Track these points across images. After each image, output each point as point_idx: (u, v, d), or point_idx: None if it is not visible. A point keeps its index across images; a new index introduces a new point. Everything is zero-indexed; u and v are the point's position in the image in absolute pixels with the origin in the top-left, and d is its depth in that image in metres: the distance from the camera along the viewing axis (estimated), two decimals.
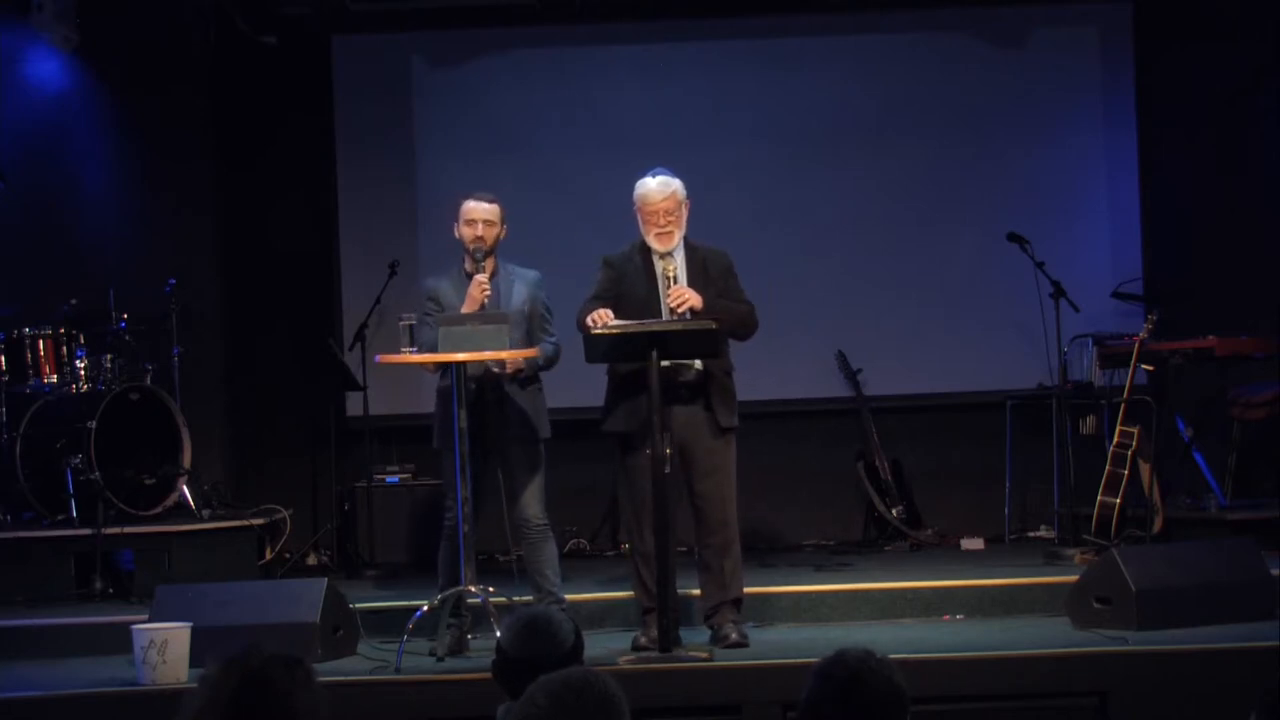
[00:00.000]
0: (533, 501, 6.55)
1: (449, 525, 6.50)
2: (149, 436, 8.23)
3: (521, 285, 6.63)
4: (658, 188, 6.43)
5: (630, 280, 6.47)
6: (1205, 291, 8.96)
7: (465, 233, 6.55)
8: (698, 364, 6.40)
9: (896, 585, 7.33)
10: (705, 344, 6.21)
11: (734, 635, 6.42)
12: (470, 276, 6.54)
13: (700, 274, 6.44)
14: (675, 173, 6.56)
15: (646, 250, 6.47)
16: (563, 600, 6.54)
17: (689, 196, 6.51)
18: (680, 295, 6.28)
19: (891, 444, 9.24)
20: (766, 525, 9.10)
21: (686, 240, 6.51)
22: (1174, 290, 9.02)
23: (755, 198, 9.28)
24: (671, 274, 6.35)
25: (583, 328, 6.30)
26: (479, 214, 6.54)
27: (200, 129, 9.20)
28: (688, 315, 6.26)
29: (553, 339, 6.64)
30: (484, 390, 6.49)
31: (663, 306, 6.36)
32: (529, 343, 6.54)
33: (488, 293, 6.42)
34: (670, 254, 6.44)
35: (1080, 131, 9.43)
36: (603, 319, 6.20)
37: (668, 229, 6.42)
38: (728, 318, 6.33)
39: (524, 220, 9.01)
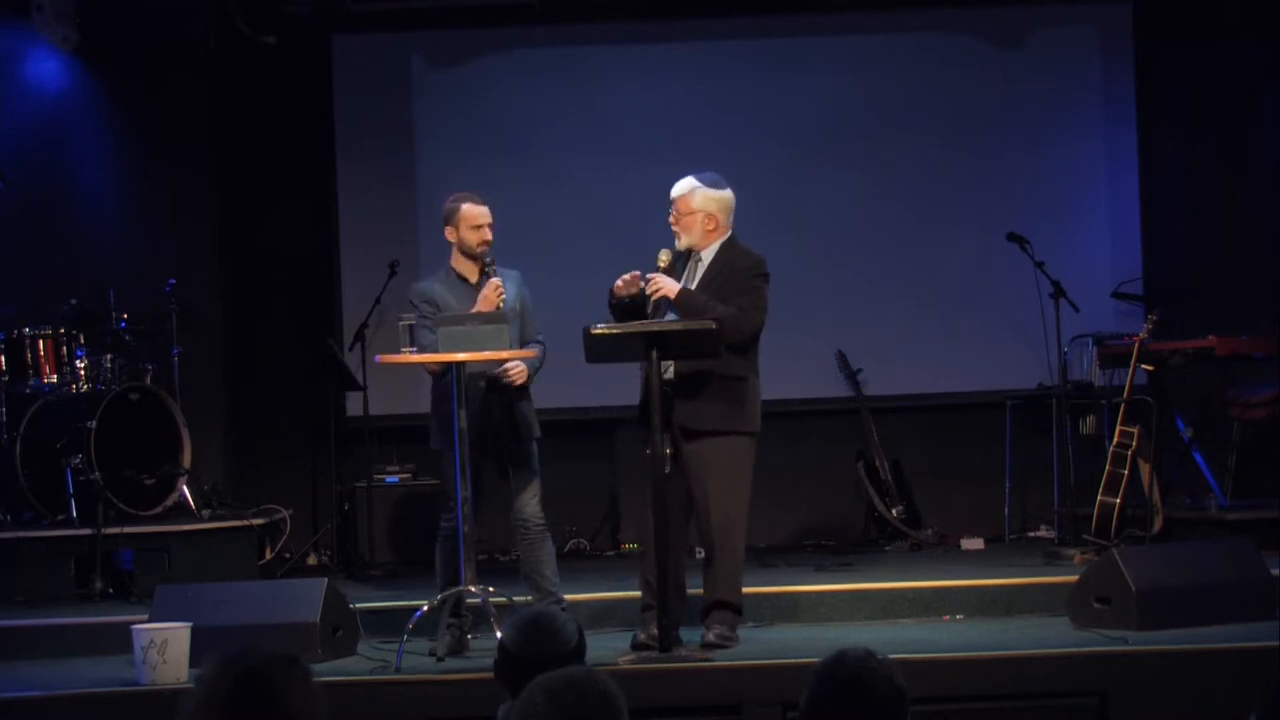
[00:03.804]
0: (532, 501, 6.55)
1: (446, 526, 6.51)
2: (149, 436, 8.23)
3: (510, 284, 6.61)
4: (678, 186, 6.51)
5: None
6: (1205, 291, 8.97)
7: (471, 237, 6.55)
8: (668, 371, 6.31)
9: (896, 585, 7.33)
10: (705, 344, 6.17)
11: (710, 636, 6.38)
12: (462, 278, 6.57)
13: (714, 274, 6.45)
14: (675, 173, 6.59)
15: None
16: (563, 600, 6.53)
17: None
18: (654, 284, 6.33)
19: (891, 444, 9.24)
20: (766, 525, 9.09)
21: (730, 240, 6.50)
22: (1174, 290, 9.02)
23: (755, 198, 9.20)
24: (663, 263, 6.37)
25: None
26: (485, 217, 6.57)
27: (200, 129, 9.21)
28: (665, 305, 6.32)
29: (540, 338, 6.65)
30: (490, 392, 6.48)
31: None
32: (521, 343, 6.54)
33: (504, 296, 6.42)
34: (685, 253, 6.47)
35: (1080, 131, 9.44)
36: (625, 287, 6.30)
37: (675, 229, 6.46)
38: (700, 314, 6.22)
39: (524, 220, 9.06)
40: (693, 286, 6.41)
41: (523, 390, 6.56)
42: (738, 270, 6.46)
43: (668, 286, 6.33)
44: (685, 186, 6.49)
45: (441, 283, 6.63)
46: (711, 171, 6.60)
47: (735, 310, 6.33)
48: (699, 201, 6.46)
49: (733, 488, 6.40)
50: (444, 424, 6.51)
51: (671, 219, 6.49)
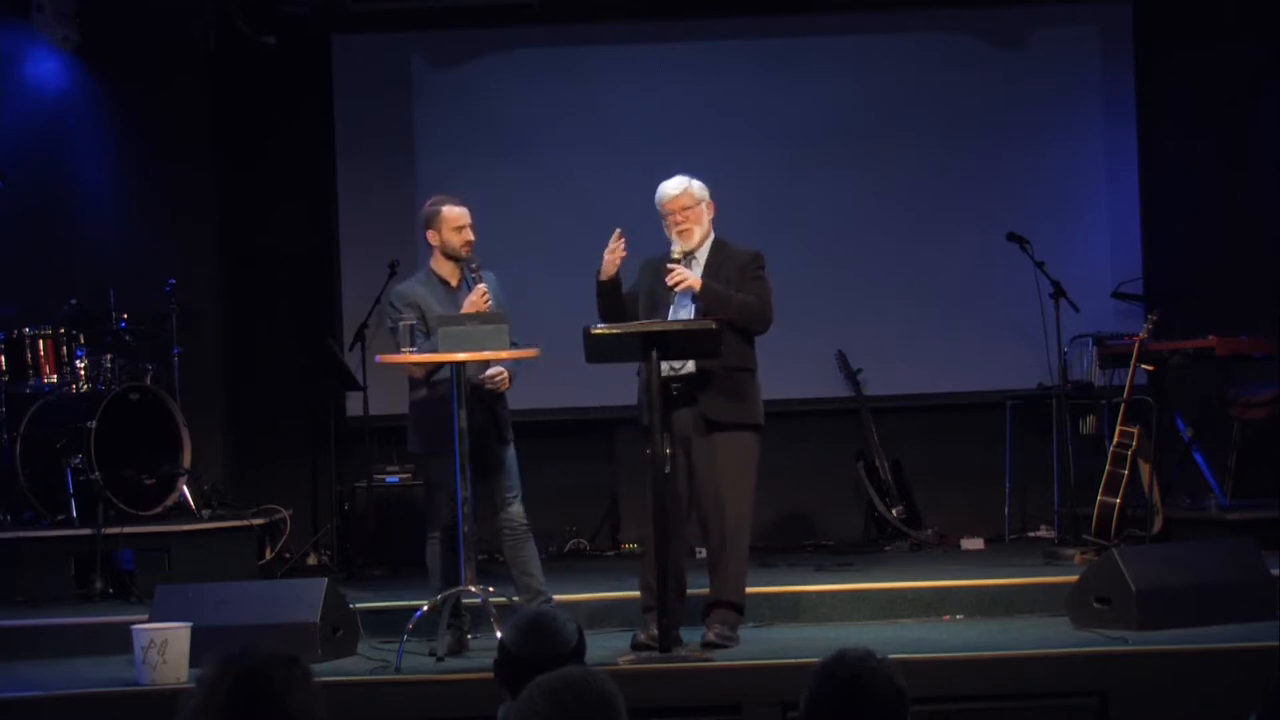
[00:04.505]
0: (515, 501, 6.56)
1: (442, 527, 6.50)
2: (149, 436, 8.23)
3: (489, 288, 6.60)
4: (671, 187, 6.48)
5: (650, 279, 6.49)
6: (1205, 291, 8.96)
7: (454, 238, 6.55)
8: (689, 365, 6.37)
9: (896, 585, 7.33)
10: (705, 344, 6.20)
11: (710, 635, 6.39)
12: (443, 280, 6.58)
13: (717, 269, 6.45)
14: (675, 173, 6.56)
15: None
16: (550, 599, 6.53)
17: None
18: (677, 275, 6.31)
19: (891, 444, 9.24)
20: (766, 525, 9.10)
21: (718, 240, 6.52)
22: (1174, 290, 9.02)
23: (756, 198, 9.28)
24: (678, 255, 6.38)
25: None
26: (465, 218, 6.58)
27: (200, 129, 9.21)
28: (690, 298, 6.30)
29: (515, 340, 6.64)
30: (483, 395, 6.47)
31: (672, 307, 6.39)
32: None
33: (489, 300, 6.42)
34: (692, 254, 6.45)
35: (1080, 131, 9.44)
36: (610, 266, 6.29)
37: (684, 227, 6.44)
38: (725, 304, 6.28)
39: (524, 220, 9.07)
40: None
41: (502, 393, 6.56)
42: (739, 265, 6.49)
43: (692, 279, 6.33)
44: (679, 183, 6.48)
45: (422, 284, 6.62)
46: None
47: (756, 298, 6.41)
48: (698, 191, 6.50)
49: (744, 484, 6.45)
50: (422, 426, 6.51)
51: (677, 220, 6.44)
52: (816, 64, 9.47)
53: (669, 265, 6.35)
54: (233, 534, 8.21)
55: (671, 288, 6.34)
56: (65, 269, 8.84)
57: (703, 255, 6.50)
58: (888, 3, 9.51)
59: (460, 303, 6.48)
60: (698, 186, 6.50)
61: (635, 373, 6.51)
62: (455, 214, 6.56)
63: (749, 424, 6.46)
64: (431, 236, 6.60)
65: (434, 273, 6.62)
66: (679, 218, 6.45)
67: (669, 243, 6.49)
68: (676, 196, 6.46)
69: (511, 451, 6.60)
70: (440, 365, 6.31)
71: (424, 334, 6.39)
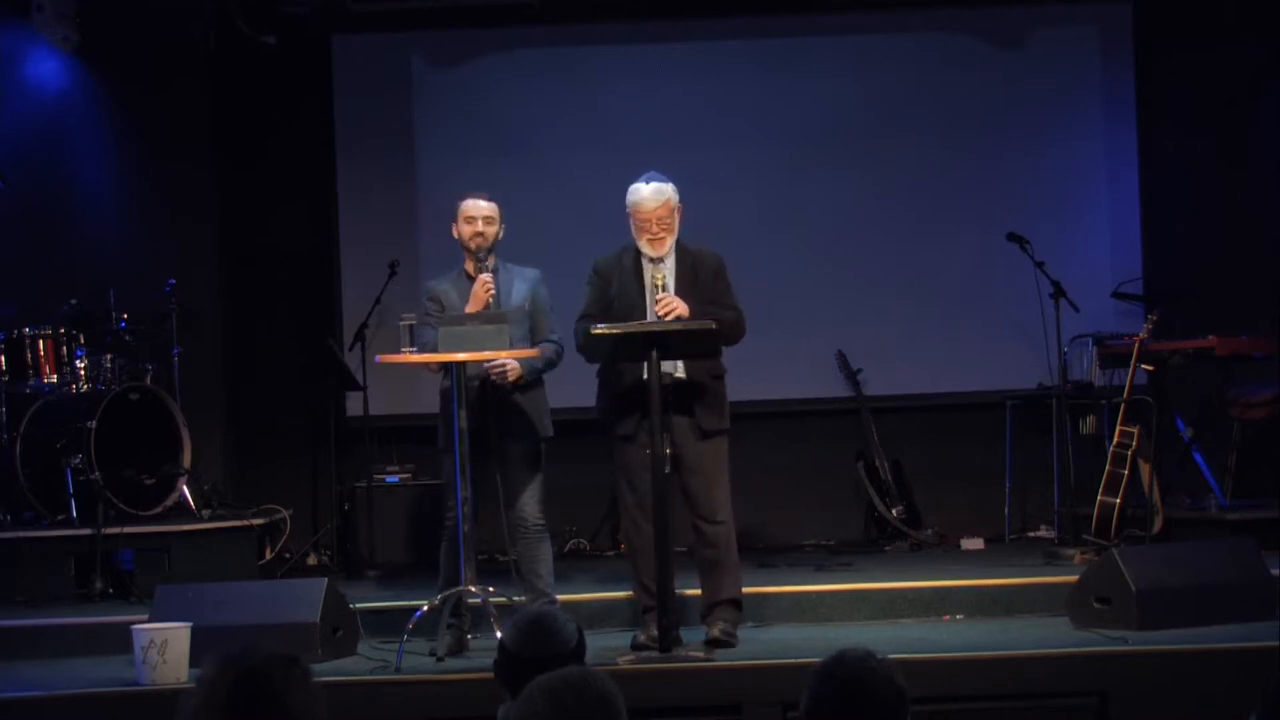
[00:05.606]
0: (530, 501, 6.54)
1: (450, 525, 6.50)
2: (149, 436, 8.23)
3: (521, 283, 6.62)
4: (651, 195, 6.40)
5: (619, 282, 6.47)
6: (1205, 291, 8.96)
7: (465, 230, 6.55)
8: (679, 371, 6.38)
9: (896, 585, 7.33)
10: (705, 344, 6.22)
11: (715, 632, 6.42)
12: (471, 277, 6.56)
13: (690, 278, 6.43)
14: (675, 173, 6.55)
15: (638, 252, 6.46)
16: (555, 600, 6.53)
17: (683, 200, 6.49)
18: (668, 304, 6.27)
19: (891, 444, 9.24)
20: (766, 525, 9.11)
21: (678, 243, 6.50)
22: (1174, 290, 9.02)
23: (755, 198, 9.29)
24: (660, 281, 6.32)
25: (580, 348, 6.39)
26: (479, 211, 6.55)
27: (200, 129, 9.21)
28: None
29: (555, 338, 6.63)
30: (487, 390, 6.48)
31: (649, 314, 6.33)
32: (531, 341, 6.53)
33: (492, 291, 6.41)
34: (661, 259, 6.43)
35: (1080, 131, 9.44)
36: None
37: (660, 236, 6.40)
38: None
39: (524, 220, 9.01)
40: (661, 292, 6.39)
41: (524, 387, 6.55)
42: (711, 271, 6.49)
43: (681, 307, 6.30)
44: (659, 192, 6.40)
45: (451, 281, 6.65)
46: (651, 171, 6.56)
47: (735, 315, 6.44)
48: (675, 198, 6.46)
49: (728, 486, 6.54)
50: (441, 423, 6.53)
51: (653, 229, 6.38)
52: (816, 64, 9.47)
53: (659, 297, 6.30)
54: (233, 534, 8.21)
55: (661, 315, 6.28)
56: (65, 269, 8.84)
57: (670, 259, 6.46)
58: (888, 3, 9.51)
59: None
60: (672, 192, 6.43)
61: (595, 374, 6.52)
62: (466, 206, 6.57)
63: (726, 429, 6.54)
64: (454, 229, 6.62)
65: (464, 269, 6.65)
66: (655, 227, 6.39)
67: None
68: (655, 208, 6.39)
69: (530, 449, 6.57)
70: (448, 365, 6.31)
71: None
